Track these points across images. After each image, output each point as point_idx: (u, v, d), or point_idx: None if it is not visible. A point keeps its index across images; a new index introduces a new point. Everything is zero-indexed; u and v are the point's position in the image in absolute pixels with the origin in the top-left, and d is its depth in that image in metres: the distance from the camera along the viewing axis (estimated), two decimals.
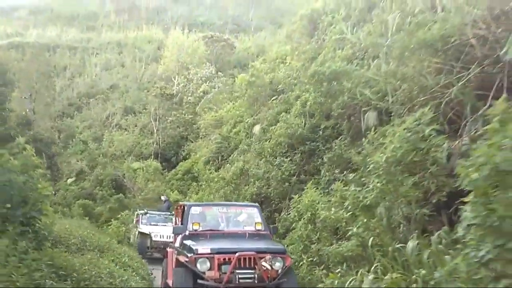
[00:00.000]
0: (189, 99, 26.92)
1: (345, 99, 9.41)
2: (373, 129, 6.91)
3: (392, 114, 7.73)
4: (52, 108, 30.67)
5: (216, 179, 15.23)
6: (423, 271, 4.42)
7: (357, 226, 6.00)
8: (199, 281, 6.61)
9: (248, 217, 8.17)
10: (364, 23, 12.59)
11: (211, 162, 19.72)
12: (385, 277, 4.91)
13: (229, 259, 6.63)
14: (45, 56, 34.04)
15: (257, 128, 13.84)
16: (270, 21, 45.15)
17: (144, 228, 14.10)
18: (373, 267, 5.36)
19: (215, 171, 17.79)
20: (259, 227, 7.84)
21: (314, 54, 13.49)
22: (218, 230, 7.82)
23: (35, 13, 44.41)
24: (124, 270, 7.93)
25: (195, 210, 8.14)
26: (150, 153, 26.53)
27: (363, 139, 6.91)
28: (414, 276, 4.54)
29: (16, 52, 33.84)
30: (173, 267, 7.52)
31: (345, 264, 6.22)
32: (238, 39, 40.13)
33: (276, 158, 11.72)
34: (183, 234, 7.60)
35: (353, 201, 6.43)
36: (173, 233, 8.38)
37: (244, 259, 6.68)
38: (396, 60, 7.98)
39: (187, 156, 24.56)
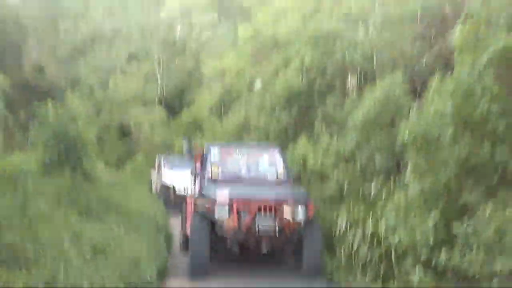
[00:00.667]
0: (192, 46, 27.69)
1: (338, 58, 10.54)
2: (355, 89, 8.17)
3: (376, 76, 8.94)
4: (57, 52, 31.50)
5: (219, 129, 16.63)
6: (381, 203, 5.91)
7: (337, 172, 7.45)
8: (217, 229, 6.50)
9: (269, 161, 7.83)
10: None
11: (214, 110, 21.03)
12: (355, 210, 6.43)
13: (249, 206, 6.38)
14: None
15: (258, 82, 14.97)
16: None
17: (166, 179, 13.58)
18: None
19: (218, 118, 19.19)
20: (281, 171, 7.58)
21: (314, 7, 14.39)
22: (237, 174, 7.55)
23: None
24: None
25: (214, 152, 7.78)
26: (154, 99, 27.78)
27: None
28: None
29: None
30: (191, 214, 7.30)
31: (325, 203, 7.74)
32: None
33: (275, 111, 13.01)
34: (201, 178, 7.45)
35: (336, 151, 7.84)
36: (191, 176, 8.10)
37: (265, 207, 6.39)
38: (381, 26, 9.05)
39: (190, 103, 25.80)
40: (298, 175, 7.97)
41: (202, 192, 7.07)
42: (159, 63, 28.93)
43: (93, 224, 5.49)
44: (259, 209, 6.31)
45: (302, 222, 6.40)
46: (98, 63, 32.18)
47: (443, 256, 4.06)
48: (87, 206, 5.51)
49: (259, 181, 7.37)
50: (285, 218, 6.24)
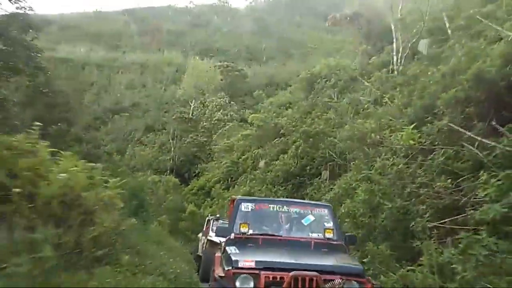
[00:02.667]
0: (205, 125, 32.63)
1: (322, 152, 14.99)
2: (328, 178, 12.45)
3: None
4: (81, 121, 36.49)
5: (227, 196, 20.74)
6: None
7: None
8: None
9: (316, 221, 6.63)
10: (346, 92, 18.33)
11: (221, 181, 25.25)
12: None
13: (281, 278, 5.07)
14: (77, 72, 39.99)
15: (262, 163, 19.39)
16: (281, 51, 51.17)
17: (214, 237, 12.74)
18: None
19: (225, 189, 23.34)
20: (329, 234, 6.26)
21: (308, 109, 19.20)
22: (273, 235, 6.29)
23: (64, 29, 50.47)
24: None
25: (246, 207, 6.70)
26: (167, 168, 32.11)
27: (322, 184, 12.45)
28: None
29: (49, 66, 39.78)
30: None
31: None
32: (251, 67, 45.99)
33: (274, 187, 17.24)
34: (227, 238, 6.29)
35: None
36: (216, 235, 7.42)
37: (302, 280, 5.07)
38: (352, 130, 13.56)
39: (200, 174, 30.09)
40: (353, 237, 6.63)
41: (225, 253, 5.86)
42: (173, 136, 33.68)
43: None
44: (295, 282, 5.02)
45: None
46: (117, 132, 37.09)
47: None
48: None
49: (300, 245, 6.10)
50: None
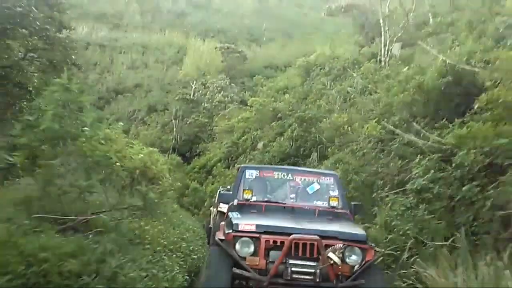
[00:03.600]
0: (206, 106, 34.67)
1: (313, 135, 17.16)
2: (317, 159, 14.64)
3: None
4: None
5: (228, 174, 22.99)
6: None
7: None
8: (236, 270, 5.08)
9: (322, 189, 6.69)
10: (339, 80, 20.40)
11: (222, 161, 27.46)
12: None
13: (282, 242, 5.14)
14: (80, 52, 41.72)
15: (260, 144, 21.56)
16: (281, 32, 52.74)
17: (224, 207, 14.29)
18: None
19: (226, 168, 25.58)
20: (334, 202, 6.34)
21: (304, 95, 21.28)
22: (277, 202, 6.38)
23: (68, 8, 51.77)
24: None
25: (250, 174, 6.74)
26: (169, 148, 34.27)
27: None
28: None
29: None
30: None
31: None
32: (251, 49, 47.71)
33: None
34: (230, 204, 6.45)
35: None
36: (219, 201, 7.84)
37: (303, 244, 5.11)
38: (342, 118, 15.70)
39: (201, 154, 32.28)
40: (360, 206, 6.65)
41: (228, 218, 6.01)
42: (175, 117, 35.76)
43: None
44: (296, 247, 5.09)
45: (356, 266, 5.15)
46: (121, 112, 39.06)
47: None
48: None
49: (303, 212, 6.20)
50: (330, 260, 5.01)
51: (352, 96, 15.43)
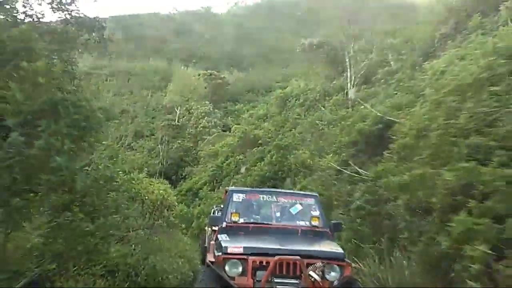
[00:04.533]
0: (191, 131, 37.51)
1: (289, 162, 20.13)
2: (290, 184, 17.54)
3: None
4: None
5: (214, 196, 25.72)
6: None
7: None
8: None
9: (304, 210, 7.31)
10: (312, 111, 23.52)
11: (207, 184, 30.17)
12: None
13: (267, 262, 5.69)
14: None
15: (243, 168, 24.44)
16: (261, 57, 56.24)
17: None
18: None
19: (211, 191, 28.31)
20: (315, 222, 6.96)
21: (281, 123, 24.36)
22: (263, 224, 7.00)
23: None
24: None
25: (237, 197, 7.37)
26: (156, 172, 36.84)
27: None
28: None
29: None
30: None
31: None
32: (233, 74, 50.94)
33: (253, 188, 22.29)
34: (219, 226, 6.89)
35: None
36: (209, 224, 8.28)
37: (287, 264, 5.71)
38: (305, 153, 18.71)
39: (187, 177, 34.93)
40: (338, 225, 7.26)
41: (217, 240, 6.56)
42: (161, 141, 38.44)
43: None
44: (280, 266, 5.70)
45: (335, 282, 5.79)
46: (108, 138, 41.47)
47: None
48: None
49: (287, 232, 6.79)
50: (311, 278, 5.64)
51: (320, 128, 18.50)
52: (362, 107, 14.65)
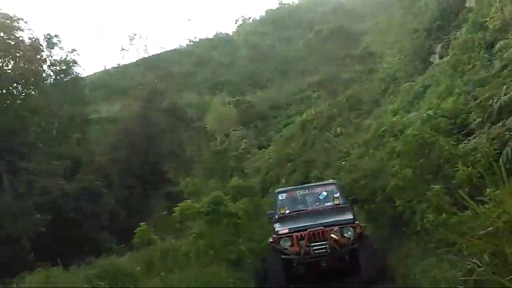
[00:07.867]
0: (234, 154, 50.32)
1: (315, 174, 32.87)
2: None
3: None
4: None
5: (266, 200, 38.65)
6: None
7: None
8: (283, 256, 10.08)
9: (328, 194, 11.78)
10: (324, 130, 36.19)
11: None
12: None
13: (305, 235, 9.92)
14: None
15: (283, 180, 37.26)
16: (277, 71, 68.31)
17: None
18: None
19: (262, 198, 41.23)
20: (337, 201, 11.35)
21: (304, 142, 37.21)
22: (303, 210, 11.48)
23: (93, 89, 67.53)
24: None
25: (282, 196, 12.10)
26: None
27: None
28: None
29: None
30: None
31: None
32: (255, 94, 63.28)
33: None
34: (273, 218, 11.33)
35: None
36: (269, 218, 12.14)
37: (315, 233, 9.98)
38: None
39: None
40: (354, 200, 11.28)
41: (273, 227, 10.84)
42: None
43: None
44: (314, 236, 9.82)
45: (352, 238, 9.83)
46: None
47: None
48: None
49: (318, 212, 10.95)
50: (333, 238, 9.56)
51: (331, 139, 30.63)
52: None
